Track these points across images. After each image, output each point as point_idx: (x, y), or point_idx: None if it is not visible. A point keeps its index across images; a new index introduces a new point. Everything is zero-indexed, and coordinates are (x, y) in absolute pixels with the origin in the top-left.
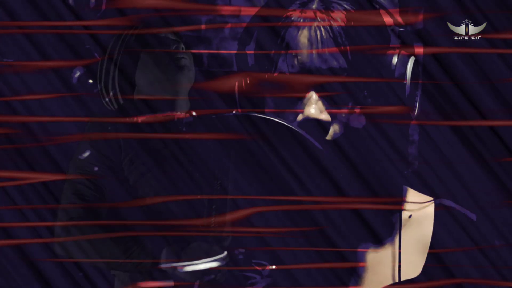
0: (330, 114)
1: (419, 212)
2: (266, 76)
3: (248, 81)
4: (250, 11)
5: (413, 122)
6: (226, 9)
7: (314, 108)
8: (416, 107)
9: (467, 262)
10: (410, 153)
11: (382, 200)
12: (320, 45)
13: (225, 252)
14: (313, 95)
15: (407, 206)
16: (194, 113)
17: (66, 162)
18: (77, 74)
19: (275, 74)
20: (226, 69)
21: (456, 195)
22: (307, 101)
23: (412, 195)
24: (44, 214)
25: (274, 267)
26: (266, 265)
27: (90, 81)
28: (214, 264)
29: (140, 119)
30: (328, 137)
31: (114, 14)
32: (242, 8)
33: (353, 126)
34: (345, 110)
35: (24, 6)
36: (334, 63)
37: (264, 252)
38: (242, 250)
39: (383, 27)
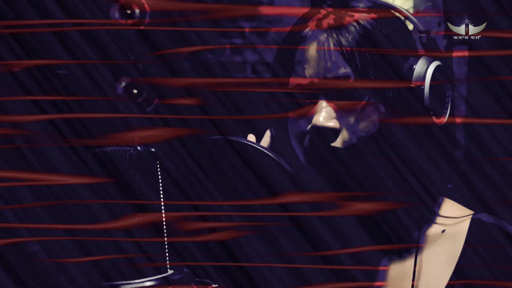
0: (339, 121)
1: (453, 227)
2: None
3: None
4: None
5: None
6: (267, 11)
7: (323, 116)
8: (447, 110)
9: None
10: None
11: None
12: (328, 57)
13: (170, 271)
14: (323, 103)
15: (442, 220)
16: (139, 148)
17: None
18: (123, 84)
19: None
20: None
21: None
22: (317, 109)
23: (450, 208)
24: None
25: (216, 285)
26: (210, 284)
27: (135, 91)
28: (149, 284)
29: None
30: (337, 144)
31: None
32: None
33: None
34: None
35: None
36: (342, 71)
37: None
38: (186, 270)
39: (404, 31)
